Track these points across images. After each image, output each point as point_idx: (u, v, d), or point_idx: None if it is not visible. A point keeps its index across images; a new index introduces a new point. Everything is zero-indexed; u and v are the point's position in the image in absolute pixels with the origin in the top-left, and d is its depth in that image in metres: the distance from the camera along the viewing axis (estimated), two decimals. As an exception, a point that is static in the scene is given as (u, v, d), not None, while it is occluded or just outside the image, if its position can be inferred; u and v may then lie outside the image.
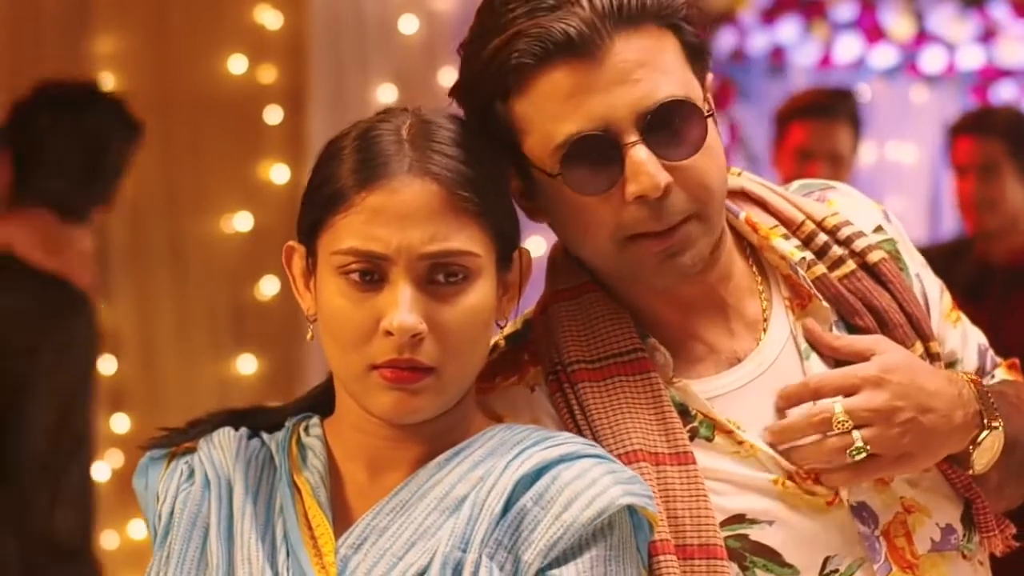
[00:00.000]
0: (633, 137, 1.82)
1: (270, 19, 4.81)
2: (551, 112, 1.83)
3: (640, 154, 1.82)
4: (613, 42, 1.82)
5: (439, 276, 1.77)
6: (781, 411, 1.91)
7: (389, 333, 1.75)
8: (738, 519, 1.87)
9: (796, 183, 2.10)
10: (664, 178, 1.82)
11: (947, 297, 2.09)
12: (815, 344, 1.94)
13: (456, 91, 1.91)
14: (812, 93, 5.24)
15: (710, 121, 1.87)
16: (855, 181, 4.68)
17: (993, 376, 2.11)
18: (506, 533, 1.75)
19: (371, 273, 1.77)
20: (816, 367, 1.93)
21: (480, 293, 1.80)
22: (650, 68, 1.83)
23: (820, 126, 4.87)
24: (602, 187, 1.83)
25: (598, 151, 1.82)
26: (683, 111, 1.84)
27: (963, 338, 2.09)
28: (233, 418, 1.95)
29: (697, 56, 1.88)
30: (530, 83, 1.84)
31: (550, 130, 1.84)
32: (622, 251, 1.86)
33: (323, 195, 1.80)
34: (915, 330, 1.97)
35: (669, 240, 1.85)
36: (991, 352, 2.13)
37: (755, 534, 1.87)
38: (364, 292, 1.77)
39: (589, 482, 1.75)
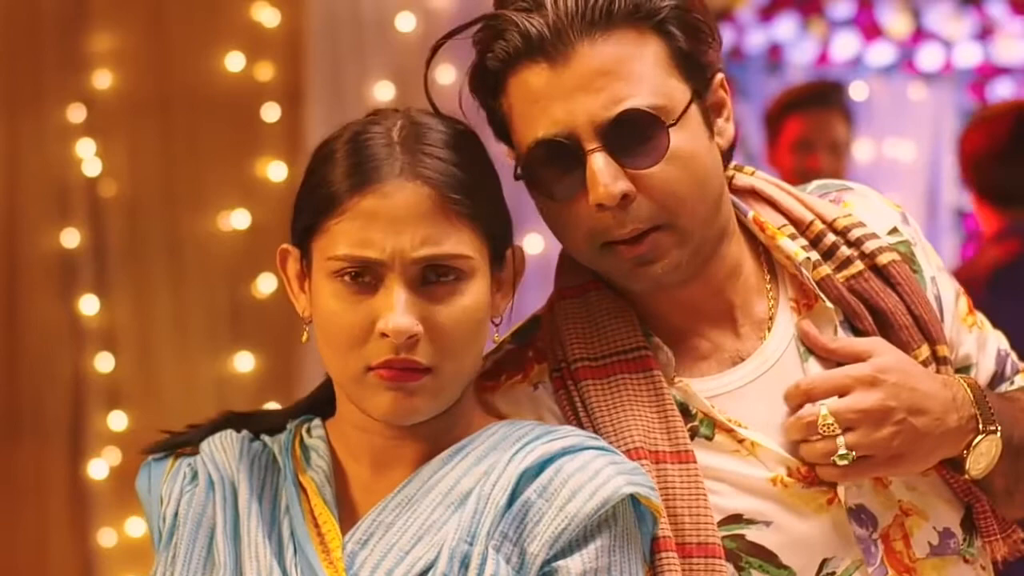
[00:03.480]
0: (593, 144, 1.82)
1: (268, 16, 4.80)
2: (523, 113, 1.85)
3: (597, 163, 1.82)
4: (577, 48, 1.82)
5: (432, 276, 1.78)
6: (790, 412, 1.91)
7: (384, 335, 1.76)
8: (735, 519, 1.88)
9: (814, 183, 2.10)
10: (621, 187, 1.82)
11: (964, 301, 2.08)
12: (811, 347, 1.93)
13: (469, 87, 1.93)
14: (803, 87, 5.29)
15: (696, 127, 1.86)
16: (853, 178, 4.68)
17: (1012, 382, 2.10)
18: (511, 526, 1.77)
19: (365, 276, 1.78)
20: (815, 368, 1.93)
21: (474, 292, 1.81)
22: (613, 76, 1.82)
23: (817, 117, 4.90)
24: (567, 193, 1.84)
25: (561, 157, 1.83)
26: (643, 121, 1.82)
27: (979, 343, 2.08)
28: (233, 421, 1.97)
29: (686, 61, 1.86)
30: (505, 84, 1.86)
31: (522, 132, 1.86)
32: (598, 256, 1.88)
33: (316, 199, 1.81)
34: (922, 333, 1.96)
35: (638, 248, 1.85)
36: (1012, 357, 2.12)
37: (752, 534, 1.87)
38: (358, 295, 1.78)
39: (592, 473, 1.77)
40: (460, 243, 1.79)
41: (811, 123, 4.88)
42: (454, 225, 1.79)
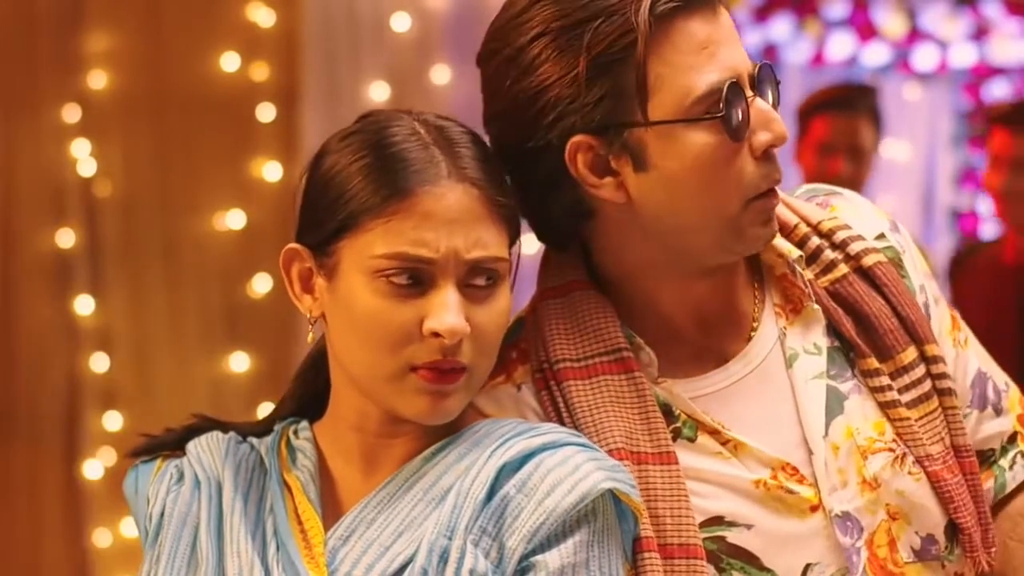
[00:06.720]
0: (750, 92, 1.87)
1: (263, 16, 4.81)
2: (688, 63, 1.84)
3: (766, 104, 1.86)
4: (718, 3, 1.88)
5: (477, 279, 1.80)
6: None
7: (435, 335, 1.77)
8: (717, 521, 1.87)
9: (803, 187, 2.10)
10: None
11: (948, 315, 2.06)
12: None
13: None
14: (834, 88, 5.24)
15: None
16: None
17: (1000, 411, 2.05)
18: (490, 520, 1.77)
19: (411, 276, 1.78)
20: (801, 373, 1.93)
21: (505, 294, 1.84)
22: (736, 34, 1.90)
23: (841, 120, 4.86)
24: (743, 135, 1.86)
25: (739, 100, 1.85)
26: (772, 73, 1.90)
27: (960, 359, 2.04)
28: (208, 426, 1.98)
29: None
30: (664, 35, 1.84)
31: (689, 80, 1.84)
32: (740, 213, 1.87)
33: (350, 199, 1.80)
34: (909, 334, 1.95)
35: (771, 202, 1.89)
36: (993, 379, 2.07)
37: (733, 537, 1.87)
38: (404, 294, 1.79)
39: (572, 468, 1.77)
40: (501, 245, 1.82)
41: (835, 126, 4.84)
42: (497, 227, 1.82)
